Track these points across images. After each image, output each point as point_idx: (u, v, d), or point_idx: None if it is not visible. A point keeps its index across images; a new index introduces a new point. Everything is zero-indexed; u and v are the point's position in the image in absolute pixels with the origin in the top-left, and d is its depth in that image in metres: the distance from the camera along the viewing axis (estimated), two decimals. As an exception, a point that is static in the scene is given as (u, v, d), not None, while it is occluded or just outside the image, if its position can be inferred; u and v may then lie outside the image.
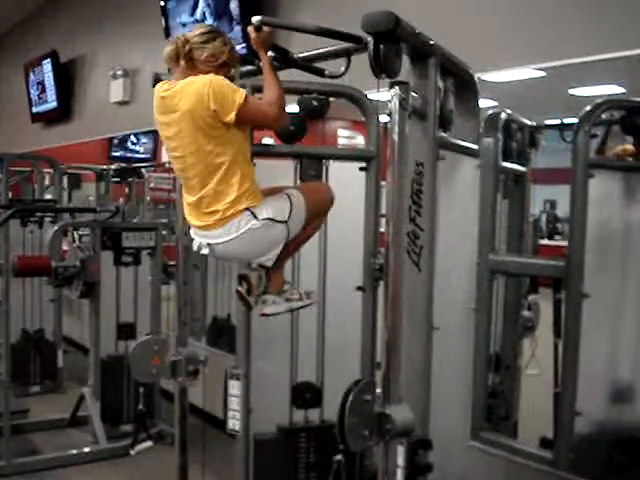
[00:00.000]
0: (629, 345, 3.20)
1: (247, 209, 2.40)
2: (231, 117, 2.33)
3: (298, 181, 3.03)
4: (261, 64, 2.47)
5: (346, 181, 3.11)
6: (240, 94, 2.34)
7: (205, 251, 2.51)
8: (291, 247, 2.62)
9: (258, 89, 2.59)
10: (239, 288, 2.63)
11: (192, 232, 2.56)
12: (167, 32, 5.67)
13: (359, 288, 3.05)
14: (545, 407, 3.22)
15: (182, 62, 2.45)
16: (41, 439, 5.10)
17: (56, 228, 5.43)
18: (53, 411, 5.54)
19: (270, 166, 3.07)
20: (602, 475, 3.03)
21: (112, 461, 4.75)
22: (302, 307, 2.72)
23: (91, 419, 5.00)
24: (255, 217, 2.41)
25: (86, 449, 4.87)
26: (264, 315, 2.66)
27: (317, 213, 2.64)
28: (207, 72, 2.41)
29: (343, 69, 2.60)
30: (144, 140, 8.72)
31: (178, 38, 2.47)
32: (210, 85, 2.33)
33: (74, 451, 4.85)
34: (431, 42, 2.15)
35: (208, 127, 2.35)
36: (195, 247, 2.57)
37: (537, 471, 3.09)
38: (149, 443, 4.54)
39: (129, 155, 8.68)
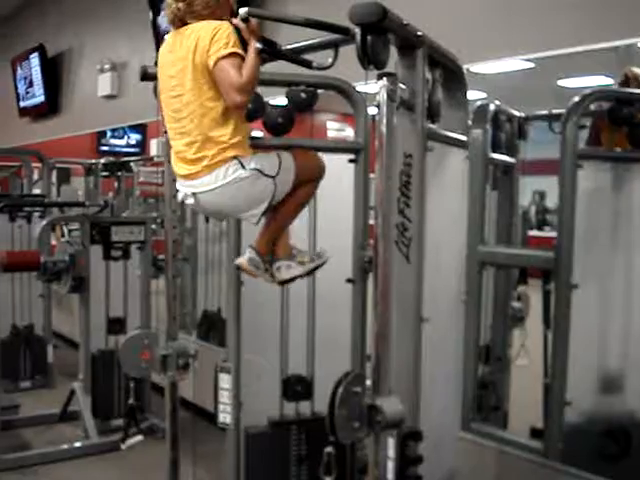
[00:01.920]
0: (618, 335, 3.21)
1: (235, 157, 2.40)
2: (210, 62, 2.33)
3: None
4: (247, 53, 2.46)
5: (335, 173, 3.10)
6: (229, 48, 2.33)
7: (190, 201, 2.50)
8: (285, 211, 2.62)
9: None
10: (239, 260, 2.67)
11: (177, 183, 2.56)
12: (154, 26, 5.65)
13: (349, 280, 3.05)
14: (535, 397, 3.24)
15: (187, 19, 2.46)
16: (32, 434, 5.09)
17: (45, 223, 5.41)
18: (44, 406, 5.52)
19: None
20: (592, 465, 3.05)
21: (103, 455, 4.75)
22: (317, 267, 2.72)
23: (82, 414, 4.99)
24: (243, 166, 2.40)
25: (77, 444, 4.87)
26: (283, 282, 2.69)
27: (306, 177, 2.62)
28: (215, 17, 2.44)
29: (331, 61, 2.58)
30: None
31: (169, 5, 2.49)
32: (215, 29, 2.35)
33: (65, 446, 4.84)
34: (419, 33, 2.15)
35: (205, 66, 2.35)
36: (180, 197, 2.57)
37: (527, 461, 3.10)
38: (140, 437, 4.54)
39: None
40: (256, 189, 2.46)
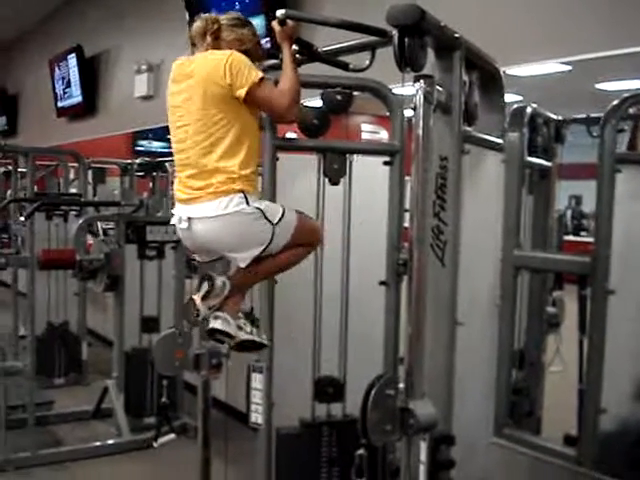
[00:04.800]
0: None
1: (242, 191, 2.36)
2: (241, 92, 2.32)
3: (321, 176, 3.03)
4: (281, 56, 2.47)
5: (370, 176, 3.10)
6: (256, 74, 2.33)
7: (183, 226, 2.43)
8: (264, 268, 2.53)
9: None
10: (195, 295, 2.50)
11: (175, 207, 2.50)
12: (191, 26, 5.67)
13: (382, 283, 3.05)
14: (569, 404, 3.20)
15: (208, 38, 2.46)
16: (65, 431, 5.14)
17: (81, 222, 5.47)
18: (77, 403, 5.58)
19: (293, 160, 3.07)
20: (627, 473, 3.00)
21: (135, 453, 4.78)
22: (249, 340, 2.56)
23: (115, 411, 5.03)
24: (247, 202, 2.36)
25: (110, 441, 4.91)
26: (212, 330, 2.52)
27: (302, 240, 2.54)
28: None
29: (367, 63, 2.59)
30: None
31: (209, 16, 2.49)
32: (229, 57, 2.34)
33: (98, 443, 4.88)
34: (456, 35, 2.14)
35: (219, 97, 2.34)
36: (173, 221, 2.50)
37: (561, 468, 3.07)
38: (172, 436, 4.56)
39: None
40: (254, 229, 2.40)
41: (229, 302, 2.54)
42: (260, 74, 2.34)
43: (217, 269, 2.63)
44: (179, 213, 2.46)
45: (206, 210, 2.37)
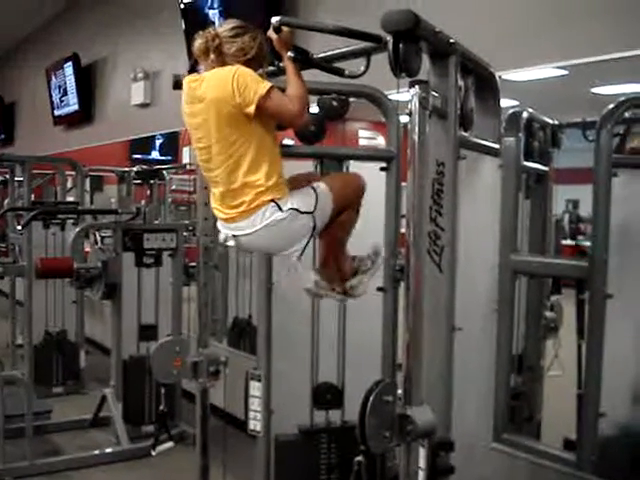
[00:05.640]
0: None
1: (272, 200, 2.40)
2: (251, 109, 2.33)
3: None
4: (282, 64, 2.47)
5: (366, 182, 3.10)
6: (263, 85, 2.34)
7: (231, 243, 2.53)
8: (335, 235, 2.68)
9: (281, 90, 2.58)
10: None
11: (218, 224, 2.57)
12: (187, 35, 5.68)
13: (380, 289, 3.04)
14: (568, 408, 3.19)
15: (212, 55, 2.46)
16: (63, 440, 5.13)
17: (78, 230, 5.47)
18: (75, 412, 5.57)
19: (290, 167, 3.07)
20: (626, 477, 3.00)
21: (134, 462, 4.77)
22: (379, 267, 2.82)
23: (113, 420, 5.03)
24: (280, 209, 2.41)
25: (108, 450, 4.90)
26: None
27: (346, 203, 2.63)
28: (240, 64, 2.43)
29: (363, 69, 2.58)
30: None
31: (208, 32, 2.48)
32: (235, 75, 2.35)
33: (96, 452, 4.88)
34: (451, 41, 2.13)
35: (232, 117, 2.36)
36: (221, 239, 2.59)
37: (560, 473, 3.06)
38: (170, 444, 4.55)
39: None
40: (295, 228, 2.47)
41: (344, 267, 2.77)
42: (267, 85, 2.35)
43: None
44: (223, 231, 2.55)
45: (245, 227, 2.45)
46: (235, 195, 2.43)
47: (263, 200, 2.40)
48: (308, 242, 2.52)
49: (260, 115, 2.36)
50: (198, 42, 2.49)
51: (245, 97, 2.32)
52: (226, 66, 2.43)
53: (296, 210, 2.44)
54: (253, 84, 2.34)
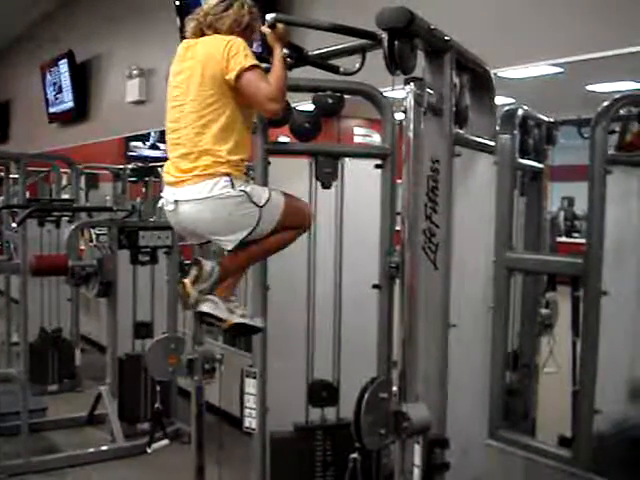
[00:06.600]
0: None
1: (228, 175, 2.39)
2: (231, 75, 2.36)
3: (313, 179, 3.03)
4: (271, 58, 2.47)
5: (361, 179, 3.10)
6: (250, 60, 2.37)
7: (170, 208, 2.48)
8: (252, 251, 2.57)
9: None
10: (186, 279, 2.56)
11: (164, 190, 2.54)
12: (182, 31, 5.67)
13: (375, 286, 3.04)
14: (564, 405, 3.20)
15: (209, 33, 2.51)
16: (59, 437, 5.13)
17: (73, 227, 5.46)
18: (71, 409, 5.56)
19: (285, 164, 3.07)
20: (621, 473, 3.00)
21: (129, 459, 4.77)
22: (240, 324, 2.57)
23: (108, 417, 5.02)
24: (232, 185, 2.39)
25: (103, 447, 4.89)
26: (201, 313, 2.57)
27: (290, 223, 2.56)
28: None
29: (358, 66, 2.59)
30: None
31: (197, 13, 2.53)
32: (230, 41, 2.40)
33: (92, 449, 4.86)
34: (446, 38, 2.14)
35: (215, 80, 2.39)
36: (160, 203, 2.56)
37: (555, 470, 3.06)
38: (166, 441, 4.53)
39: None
40: (240, 212, 2.43)
41: (221, 286, 2.57)
42: (254, 61, 2.38)
43: (210, 254, 2.63)
44: (167, 196, 2.50)
45: (192, 192, 2.41)
46: (194, 158, 2.41)
47: (219, 171, 2.39)
48: (245, 237, 2.46)
49: (239, 93, 2.39)
50: (191, 25, 2.55)
51: (230, 63, 2.36)
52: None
53: (247, 195, 2.41)
54: (241, 55, 2.37)
